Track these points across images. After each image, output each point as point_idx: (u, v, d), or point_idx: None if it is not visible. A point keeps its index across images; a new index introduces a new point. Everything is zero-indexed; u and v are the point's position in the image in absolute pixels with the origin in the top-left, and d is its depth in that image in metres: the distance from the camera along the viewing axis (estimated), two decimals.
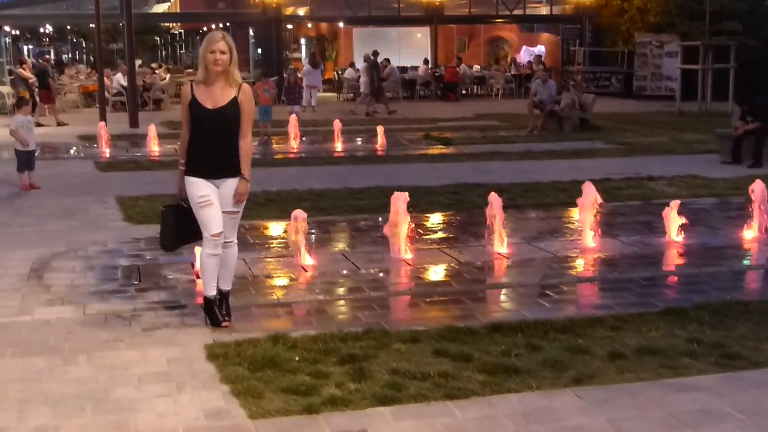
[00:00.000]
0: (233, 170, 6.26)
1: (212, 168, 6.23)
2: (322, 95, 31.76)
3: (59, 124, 23.33)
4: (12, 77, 28.91)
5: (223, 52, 6.09)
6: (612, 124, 22.59)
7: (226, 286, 6.53)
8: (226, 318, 6.44)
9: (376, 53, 28.55)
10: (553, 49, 38.01)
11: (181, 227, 6.44)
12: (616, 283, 7.71)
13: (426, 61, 34.73)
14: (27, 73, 25.70)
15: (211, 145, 6.21)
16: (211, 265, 6.32)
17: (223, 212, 6.27)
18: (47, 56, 51.43)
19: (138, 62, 28.15)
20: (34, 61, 37.45)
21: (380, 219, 9.97)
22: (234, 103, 6.19)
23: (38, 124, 20.01)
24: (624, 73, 33.79)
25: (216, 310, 6.41)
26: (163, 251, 7.11)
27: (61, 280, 7.83)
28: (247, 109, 6.27)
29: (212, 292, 6.40)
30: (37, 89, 24.58)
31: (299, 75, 31.07)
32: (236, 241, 6.50)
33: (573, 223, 10.23)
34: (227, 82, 6.19)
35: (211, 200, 6.19)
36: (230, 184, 6.26)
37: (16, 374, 5.52)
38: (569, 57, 36.08)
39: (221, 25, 40.98)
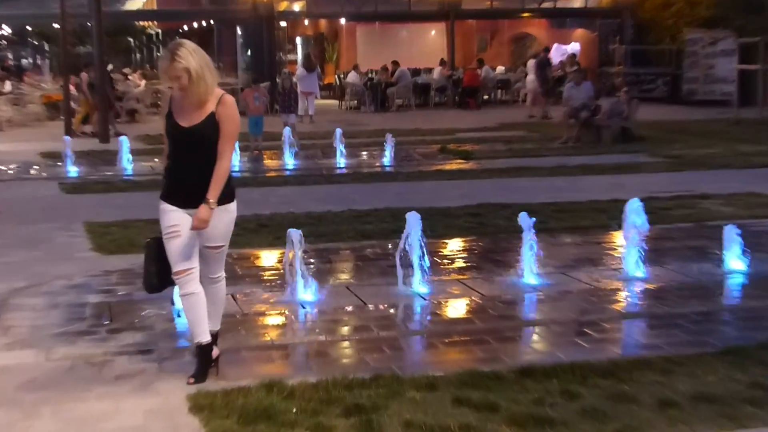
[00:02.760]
0: (221, 197, 6.14)
1: (187, 196, 6.11)
2: (321, 102, 31.91)
3: None
4: None
5: (177, 77, 5.97)
6: (658, 134, 22.61)
7: (214, 326, 6.48)
8: (191, 378, 6.27)
9: (547, 50, 29.44)
10: (589, 47, 38.11)
11: (165, 264, 6.24)
12: (666, 319, 7.68)
13: (442, 63, 34.85)
14: None
15: (185, 170, 6.13)
16: (188, 305, 6.25)
17: (205, 247, 6.23)
18: (9, 60, 51.76)
19: (109, 67, 28.24)
20: None
21: (390, 246, 9.96)
22: (210, 120, 6.06)
23: None
24: (671, 75, 33.85)
25: (208, 361, 6.33)
26: (145, 291, 6.86)
27: (21, 320, 7.84)
28: (228, 128, 6.10)
29: (205, 338, 6.29)
30: None
31: (294, 80, 31.31)
32: (224, 275, 6.48)
33: (615, 249, 10.21)
34: (200, 98, 6.06)
35: (179, 232, 6.10)
36: (215, 216, 6.12)
37: None
38: (608, 57, 36.17)
39: (204, 24, 41.28)
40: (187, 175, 6.11)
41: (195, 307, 6.25)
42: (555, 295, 8.53)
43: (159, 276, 6.30)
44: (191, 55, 5.99)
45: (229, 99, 6.15)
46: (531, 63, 30.47)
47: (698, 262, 9.59)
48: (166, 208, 6.17)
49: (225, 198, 6.15)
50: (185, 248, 6.14)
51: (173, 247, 6.13)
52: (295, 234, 8.19)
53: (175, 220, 6.12)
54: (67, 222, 12.35)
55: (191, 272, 6.19)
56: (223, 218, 6.19)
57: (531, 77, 29.92)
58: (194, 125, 6.04)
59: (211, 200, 6.05)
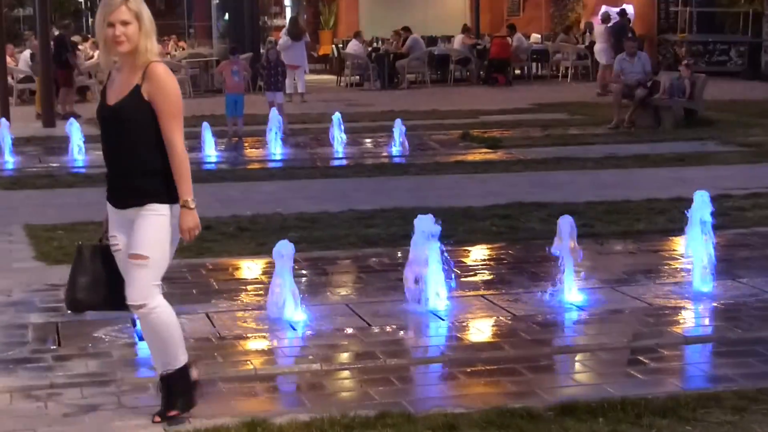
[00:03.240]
0: (143, 195, 6.00)
1: (115, 192, 6.15)
2: (315, 78, 32.00)
3: None
4: None
5: (126, 23, 5.87)
6: (731, 117, 22.59)
7: (158, 369, 6.33)
8: (157, 416, 6.23)
9: (624, 12, 29.43)
10: (646, 10, 38.02)
11: (98, 277, 6.24)
12: (739, 345, 7.70)
13: (465, 30, 34.82)
14: None
15: (109, 160, 6.15)
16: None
17: (128, 257, 6.08)
18: None
19: (55, 34, 28.34)
20: None
21: (399, 254, 10.01)
22: (135, 96, 5.94)
23: None
24: (748, 45, 33.77)
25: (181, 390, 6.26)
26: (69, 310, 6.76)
27: None
28: (161, 103, 5.93)
29: (178, 360, 6.24)
30: None
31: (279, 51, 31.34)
32: (153, 306, 6.07)
33: (677, 259, 10.24)
34: (136, 64, 5.95)
35: (119, 245, 6.15)
36: (140, 218, 5.99)
37: None
38: (668, 21, 36.11)
39: None
40: (110, 167, 6.14)
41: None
42: (602, 315, 8.56)
43: (89, 290, 6.24)
44: (142, 4, 6.01)
45: (159, 69, 5.97)
46: (600, 28, 30.27)
47: None
48: (107, 208, 6.24)
49: (154, 195, 6.00)
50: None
51: (120, 264, 6.18)
52: (285, 248, 8.22)
53: (114, 228, 6.18)
54: (2, 225, 12.38)
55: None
56: (147, 221, 5.98)
57: (601, 46, 29.70)
58: (115, 103, 6.01)
59: (187, 199, 6.00)
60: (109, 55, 6.07)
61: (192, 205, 6.02)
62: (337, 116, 18.97)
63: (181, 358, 6.18)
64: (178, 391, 6.19)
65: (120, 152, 6.03)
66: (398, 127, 18.60)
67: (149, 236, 5.97)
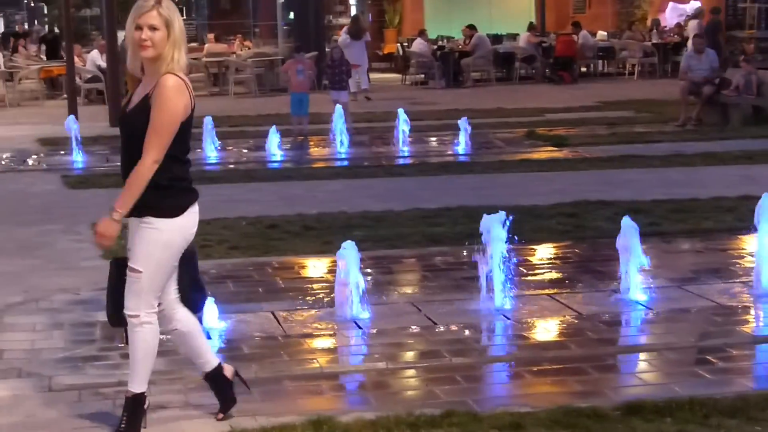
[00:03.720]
0: (143, 207, 5.88)
1: None
2: (380, 77, 32.05)
3: None
4: None
5: (154, 29, 5.69)
6: None
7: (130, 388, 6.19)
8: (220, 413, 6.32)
9: (717, 11, 29.24)
10: (714, 5, 37.74)
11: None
12: None
13: (531, 28, 34.72)
14: None
15: (123, 169, 6.00)
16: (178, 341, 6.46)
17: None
18: None
19: (121, 35, 28.59)
20: None
21: (465, 253, 10.00)
22: (144, 105, 5.81)
23: None
24: None
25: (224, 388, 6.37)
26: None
27: (17, 342, 7.98)
28: (153, 113, 5.73)
29: (208, 366, 6.37)
30: None
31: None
32: (146, 320, 6.03)
33: (745, 258, 10.15)
34: (157, 72, 5.78)
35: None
36: (136, 229, 5.98)
37: None
38: (736, 18, 35.78)
39: None
40: (123, 175, 5.97)
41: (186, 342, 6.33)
42: (669, 314, 8.50)
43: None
44: (175, 12, 5.83)
45: (169, 81, 5.74)
46: (693, 23, 29.84)
47: None
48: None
49: (151, 208, 5.88)
50: None
51: None
52: (350, 248, 8.25)
53: (130, 237, 6.10)
54: (71, 223, 12.52)
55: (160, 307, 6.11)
56: (142, 235, 5.92)
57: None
58: (128, 112, 5.95)
59: (117, 209, 5.83)
60: (135, 60, 5.83)
61: (117, 217, 5.82)
62: (401, 112, 18.97)
63: (141, 387, 6.10)
64: (126, 414, 6.09)
65: (128, 161, 5.86)
66: (463, 126, 18.59)
67: (144, 250, 5.89)
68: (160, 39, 5.66)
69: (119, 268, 6.05)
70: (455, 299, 8.91)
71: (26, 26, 56.70)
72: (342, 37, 29.33)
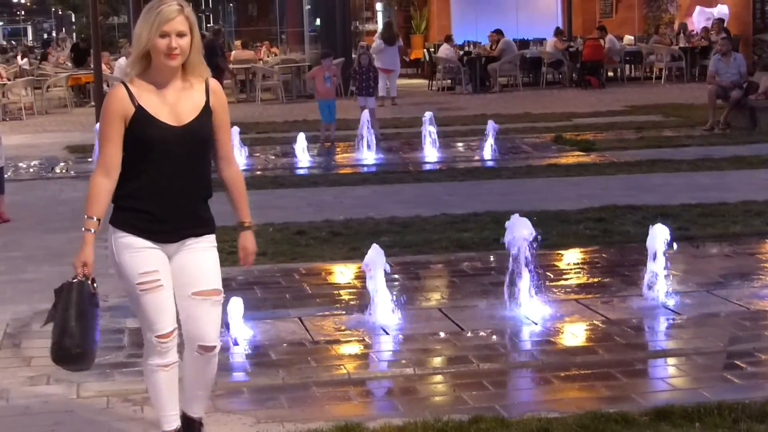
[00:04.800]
0: (205, 223, 5.56)
1: (170, 222, 5.43)
2: (407, 83, 32.11)
3: None
4: None
5: (182, 34, 5.29)
6: None
7: (196, 412, 5.84)
8: None
9: None
10: (741, 10, 37.59)
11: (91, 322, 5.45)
12: None
13: (558, 33, 34.69)
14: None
15: (173, 185, 5.38)
16: (162, 382, 5.61)
17: (193, 295, 5.49)
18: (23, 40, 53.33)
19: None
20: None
21: (492, 258, 10.01)
22: (207, 115, 5.46)
23: None
24: None
25: None
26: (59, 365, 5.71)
27: (46, 349, 7.97)
28: (224, 120, 5.56)
29: (172, 426, 5.71)
30: None
31: (372, 56, 31.44)
32: (220, 345, 5.71)
33: None
34: (186, 80, 5.47)
35: (161, 281, 5.42)
36: (200, 248, 5.52)
37: None
38: (764, 21, 35.65)
39: None
40: (173, 193, 5.41)
41: (169, 384, 5.63)
42: (698, 318, 8.48)
43: (83, 337, 5.38)
44: (192, 13, 5.46)
45: (217, 84, 5.61)
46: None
47: None
48: (135, 243, 5.45)
49: (209, 226, 5.61)
50: (171, 301, 5.49)
51: (156, 302, 5.43)
52: (376, 251, 8.27)
53: (154, 262, 5.43)
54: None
55: (176, 332, 5.54)
56: (212, 254, 5.57)
57: None
58: (191, 122, 5.40)
59: (248, 220, 5.69)
60: (139, 66, 5.37)
61: (253, 228, 5.73)
62: (429, 118, 18.96)
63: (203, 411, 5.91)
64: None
65: (190, 177, 5.42)
66: (490, 131, 18.57)
67: (218, 269, 5.57)
68: (187, 45, 5.30)
69: (87, 294, 5.40)
70: (483, 305, 8.91)
71: (54, 34, 57.10)
72: (376, 42, 29.50)
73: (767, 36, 34.28)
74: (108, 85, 27.59)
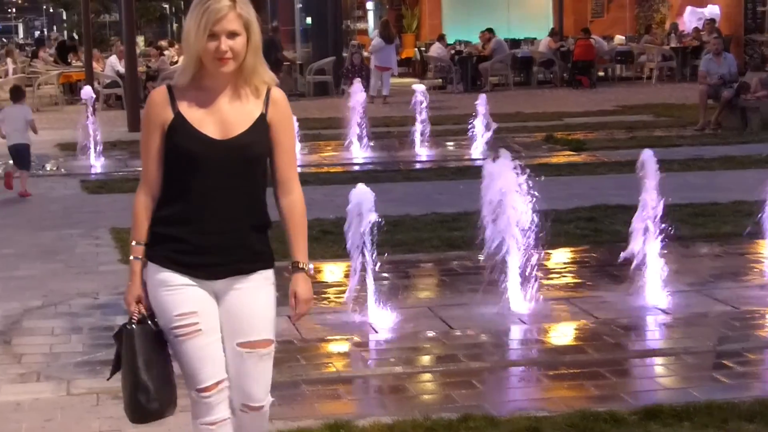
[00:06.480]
0: (258, 257, 4.66)
1: (211, 255, 4.56)
2: (399, 81, 32.02)
3: None
4: None
5: (234, 34, 4.46)
6: None
7: None
8: None
9: None
10: (732, 10, 37.66)
11: (163, 366, 4.67)
12: None
13: (553, 33, 34.70)
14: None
15: (216, 211, 4.54)
16: None
17: (239, 345, 4.61)
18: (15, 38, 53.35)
19: (140, 41, 28.80)
20: None
21: (482, 257, 10.01)
22: (261, 128, 4.59)
23: None
24: None
25: None
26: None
27: (37, 346, 8.03)
28: (286, 138, 4.68)
29: None
30: None
31: (365, 54, 31.44)
32: (269, 403, 4.77)
33: (763, 263, 10.13)
34: (242, 86, 4.61)
35: (199, 325, 4.56)
36: (251, 290, 4.64)
37: None
38: (755, 22, 35.72)
39: None
40: (221, 221, 4.56)
41: None
42: (687, 318, 8.52)
43: (161, 389, 4.63)
44: (251, 8, 4.63)
45: (283, 96, 4.71)
46: None
47: None
48: (170, 280, 4.58)
49: (267, 260, 4.74)
50: (215, 348, 4.63)
51: (194, 350, 4.59)
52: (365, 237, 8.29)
53: (192, 303, 4.57)
54: (90, 227, 12.59)
55: (224, 384, 4.63)
56: (265, 294, 4.70)
57: None
58: (238, 135, 4.55)
59: (304, 261, 4.75)
60: (188, 73, 4.55)
61: (311, 273, 4.84)
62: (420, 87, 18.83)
63: None
64: None
65: (236, 200, 4.57)
66: (480, 129, 18.59)
67: (271, 314, 4.71)
68: (241, 46, 4.46)
69: (150, 336, 4.60)
70: (472, 303, 8.91)
71: (45, 32, 57.07)
72: (375, 41, 29.67)
73: (758, 36, 34.36)
74: (99, 83, 27.64)
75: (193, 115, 4.50)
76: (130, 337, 4.54)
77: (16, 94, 17.02)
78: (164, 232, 4.57)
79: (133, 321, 4.55)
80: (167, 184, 4.59)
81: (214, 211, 4.52)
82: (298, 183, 4.74)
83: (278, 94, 4.66)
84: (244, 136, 4.51)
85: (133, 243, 4.62)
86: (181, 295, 4.53)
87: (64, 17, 70.76)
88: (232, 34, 4.42)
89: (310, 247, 4.70)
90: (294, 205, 4.70)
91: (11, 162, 15.68)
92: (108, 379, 4.83)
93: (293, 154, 4.73)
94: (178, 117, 4.50)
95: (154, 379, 4.53)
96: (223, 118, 4.52)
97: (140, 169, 4.68)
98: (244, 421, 4.65)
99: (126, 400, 4.63)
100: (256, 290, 4.60)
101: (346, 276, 9.70)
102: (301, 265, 4.71)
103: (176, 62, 31.68)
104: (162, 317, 4.57)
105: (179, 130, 4.50)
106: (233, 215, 4.54)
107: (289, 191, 4.69)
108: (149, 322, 4.57)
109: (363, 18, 44.58)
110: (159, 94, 4.56)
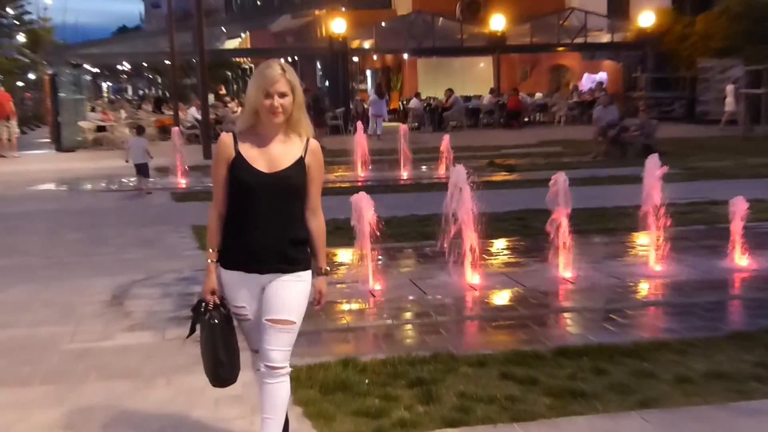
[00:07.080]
0: (291, 262, 4.43)
1: (261, 257, 4.39)
2: (388, 125, 31.97)
3: None
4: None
5: (284, 95, 4.31)
6: (676, 149, 22.27)
7: None
8: None
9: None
10: (615, 75, 37.75)
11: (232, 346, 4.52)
12: (681, 308, 7.61)
13: (492, 91, 34.76)
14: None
15: (262, 226, 4.37)
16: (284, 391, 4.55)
17: (266, 320, 4.41)
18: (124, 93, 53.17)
19: (211, 96, 28.80)
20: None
21: (446, 246, 9.99)
22: (300, 166, 4.41)
23: None
24: (687, 99, 33.38)
25: None
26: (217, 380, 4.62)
27: (141, 306, 8.01)
28: (317, 176, 4.50)
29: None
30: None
31: (365, 105, 31.47)
32: (288, 369, 4.50)
33: (637, 248, 10.12)
34: (288, 133, 4.43)
35: (248, 315, 4.50)
36: (284, 283, 4.42)
37: (99, 397, 5.67)
38: (631, 83, 35.77)
39: (289, 60, 41.62)
40: (263, 232, 4.38)
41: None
42: (586, 286, 8.49)
43: (232, 362, 4.53)
44: (295, 75, 4.47)
45: (317, 145, 4.53)
46: (730, 88, 28.84)
47: (709, 259, 9.47)
48: (230, 279, 4.46)
49: (301, 263, 4.48)
50: (258, 327, 4.52)
51: (245, 329, 4.61)
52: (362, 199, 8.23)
53: (243, 298, 4.47)
54: (176, 225, 12.56)
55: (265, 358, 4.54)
56: (293, 288, 4.44)
57: (730, 100, 28.56)
58: (283, 170, 4.38)
59: (325, 266, 4.65)
60: (250, 121, 4.39)
61: (327, 271, 4.69)
62: (404, 150, 18.86)
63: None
64: None
65: (280, 219, 4.38)
66: (444, 156, 18.55)
67: (298, 303, 4.45)
68: (288, 104, 4.30)
69: (222, 319, 4.45)
70: (440, 277, 8.89)
71: (146, 91, 56.77)
72: (372, 96, 29.95)
73: (633, 93, 34.43)
74: (183, 126, 27.55)
75: (249, 153, 4.36)
76: (211, 324, 4.41)
77: (140, 130, 17.97)
78: (228, 242, 4.43)
79: (210, 307, 4.41)
80: (230, 204, 4.44)
81: (259, 226, 4.36)
82: (321, 210, 4.57)
83: (315, 144, 4.49)
84: (288, 170, 4.36)
85: (210, 250, 4.46)
86: (236, 293, 4.44)
87: (159, 80, 70.55)
88: (282, 95, 4.28)
89: (327, 238, 4.68)
90: (320, 228, 4.55)
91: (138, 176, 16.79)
92: (185, 339, 4.72)
93: (320, 189, 4.55)
94: (239, 155, 4.36)
95: (230, 358, 4.46)
96: (272, 157, 4.36)
97: (211, 184, 4.55)
98: (266, 378, 4.43)
99: (208, 371, 4.52)
100: (288, 283, 4.40)
101: (353, 258, 9.70)
102: (323, 271, 4.62)
103: (236, 112, 31.65)
104: (228, 305, 4.46)
105: (239, 165, 4.35)
106: (274, 231, 4.36)
107: (316, 216, 4.53)
108: (221, 307, 4.43)
109: (364, 81, 44.57)
110: (227, 137, 4.44)
